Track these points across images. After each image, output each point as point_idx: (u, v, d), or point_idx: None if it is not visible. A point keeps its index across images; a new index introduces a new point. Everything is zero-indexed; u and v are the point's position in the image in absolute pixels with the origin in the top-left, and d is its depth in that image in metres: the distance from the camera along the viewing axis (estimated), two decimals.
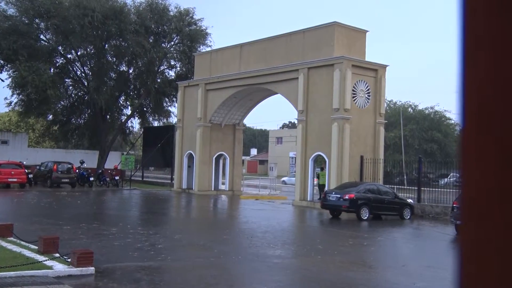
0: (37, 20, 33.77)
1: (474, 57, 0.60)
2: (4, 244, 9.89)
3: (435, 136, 45.81)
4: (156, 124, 40.29)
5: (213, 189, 29.74)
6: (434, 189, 22.86)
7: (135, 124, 45.03)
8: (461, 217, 0.59)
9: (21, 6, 32.39)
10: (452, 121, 49.09)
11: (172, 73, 38.46)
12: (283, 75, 24.45)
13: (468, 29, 0.60)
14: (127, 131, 41.93)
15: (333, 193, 18.71)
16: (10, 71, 33.58)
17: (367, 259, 10.99)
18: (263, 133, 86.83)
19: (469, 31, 0.60)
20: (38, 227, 12.90)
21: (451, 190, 21.45)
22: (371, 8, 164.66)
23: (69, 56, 36.54)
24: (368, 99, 22.65)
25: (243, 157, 43.48)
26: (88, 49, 35.99)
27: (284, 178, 45.38)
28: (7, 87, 33.81)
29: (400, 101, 50.06)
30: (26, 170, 26.95)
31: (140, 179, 36.13)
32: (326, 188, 21.40)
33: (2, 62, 34.07)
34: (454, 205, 15.46)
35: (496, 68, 0.58)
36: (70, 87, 38.42)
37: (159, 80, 36.92)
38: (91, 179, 29.73)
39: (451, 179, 28.54)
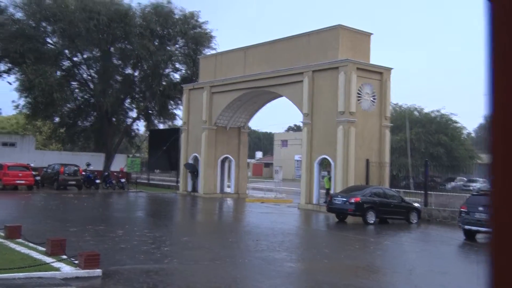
0: (43, 24, 33.99)
1: (503, 62, 0.61)
2: (12, 245, 9.95)
3: (441, 140, 45.44)
4: (161, 126, 40.40)
5: (218, 192, 29.75)
6: (441, 193, 22.72)
7: (140, 126, 45.17)
8: (490, 224, 0.60)
9: (29, 10, 32.61)
10: (459, 125, 48.68)
11: (177, 76, 38.59)
12: (288, 78, 24.44)
13: (497, 35, 0.61)
14: (133, 133, 42.04)
15: (339, 196, 18.64)
16: (17, 74, 33.87)
17: (374, 263, 10.95)
18: (268, 136, 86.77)
19: (498, 37, 0.61)
20: (45, 228, 12.96)
21: (459, 194, 21.31)
22: (376, 10, 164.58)
23: (75, 59, 36.73)
24: (374, 102, 22.59)
25: (248, 160, 43.47)
26: (94, 52, 36.17)
27: None
28: (15, 90, 34.14)
29: (406, 104, 49.75)
30: (34, 172, 27.11)
31: (146, 181, 36.20)
32: (331, 191, 21.32)
33: (9, 65, 34.34)
34: (462, 210, 15.34)
35: None
36: (76, 90, 38.58)
37: (164, 83, 37.03)
38: (97, 181, 29.87)
39: (458, 183, 28.33)
